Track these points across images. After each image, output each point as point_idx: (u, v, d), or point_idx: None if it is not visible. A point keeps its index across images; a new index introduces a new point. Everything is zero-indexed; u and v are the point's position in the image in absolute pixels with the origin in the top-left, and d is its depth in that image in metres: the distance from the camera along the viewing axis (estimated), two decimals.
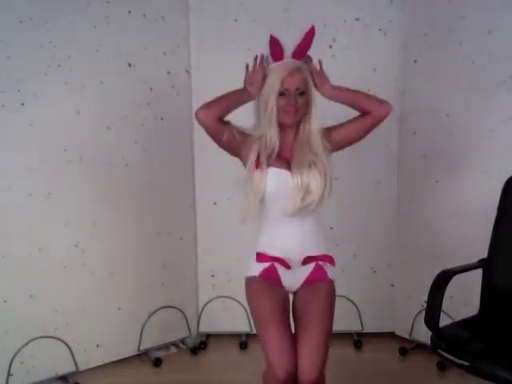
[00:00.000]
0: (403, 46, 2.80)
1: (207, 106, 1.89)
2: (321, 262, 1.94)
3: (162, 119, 2.82)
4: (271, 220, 1.93)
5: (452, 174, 2.67)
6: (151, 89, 2.77)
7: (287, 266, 1.92)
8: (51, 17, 2.42)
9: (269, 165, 1.86)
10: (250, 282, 1.95)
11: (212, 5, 2.85)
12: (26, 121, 2.42)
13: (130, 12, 2.66)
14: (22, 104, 2.40)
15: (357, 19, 2.82)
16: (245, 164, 1.90)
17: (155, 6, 2.75)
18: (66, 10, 2.46)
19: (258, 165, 1.85)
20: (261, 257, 1.95)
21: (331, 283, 1.94)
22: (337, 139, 1.90)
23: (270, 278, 1.92)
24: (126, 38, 2.66)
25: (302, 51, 1.85)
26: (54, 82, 2.47)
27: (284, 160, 1.89)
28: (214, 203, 3.00)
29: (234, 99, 1.88)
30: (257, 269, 1.94)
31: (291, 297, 1.96)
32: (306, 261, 1.93)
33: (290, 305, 1.93)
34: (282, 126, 1.88)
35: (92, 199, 2.63)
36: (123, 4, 2.64)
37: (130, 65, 2.69)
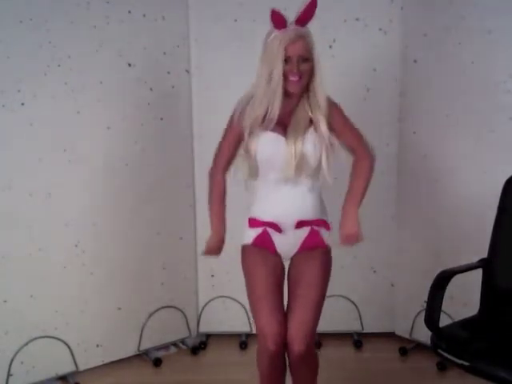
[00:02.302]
0: (403, 46, 2.80)
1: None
2: (316, 227, 1.92)
3: (161, 119, 2.82)
4: (265, 185, 1.93)
5: (452, 174, 2.67)
6: (151, 89, 2.77)
7: (278, 230, 1.91)
8: (51, 17, 2.42)
9: (265, 129, 1.85)
10: (243, 250, 1.98)
11: (212, 5, 2.85)
12: (26, 121, 2.42)
13: (129, 12, 2.66)
14: (22, 104, 2.40)
15: (357, 19, 2.82)
16: None
17: (155, 6, 2.74)
18: (65, 10, 2.46)
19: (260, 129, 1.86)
20: (252, 222, 1.95)
21: (326, 249, 1.95)
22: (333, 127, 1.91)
23: (263, 246, 1.93)
24: (125, 38, 2.66)
25: (304, 19, 1.83)
26: (53, 82, 2.47)
27: (282, 125, 1.87)
28: None
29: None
30: (250, 236, 1.95)
31: (287, 265, 1.96)
32: (300, 225, 1.91)
33: (284, 274, 1.94)
34: (285, 94, 1.85)
35: (92, 199, 2.63)
36: (123, 4, 2.63)
37: (129, 65, 2.69)
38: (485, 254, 2.19)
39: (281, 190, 1.90)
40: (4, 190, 2.39)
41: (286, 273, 1.96)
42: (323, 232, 1.95)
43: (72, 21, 2.49)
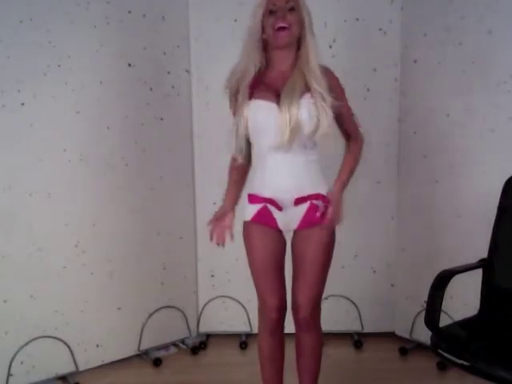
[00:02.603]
0: (403, 46, 2.80)
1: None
2: (315, 201, 1.88)
3: (161, 119, 2.82)
4: (260, 158, 1.88)
5: (452, 173, 2.67)
6: (151, 89, 2.77)
7: (278, 208, 1.89)
8: (51, 17, 2.42)
9: (255, 97, 1.80)
10: (244, 227, 1.97)
11: (212, 5, 2.85)
12: (26, 121, 2.42)
13: (129, 12, 2.66)
14: (22, 104, 2.40)
15: (357, 19, 2.82)
16: None
17: (155, 6, 2.74)
18: (66, 9, 2.46)
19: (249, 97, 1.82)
20: (252, 198, 1.93)
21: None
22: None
23: (263, 221, 1.91)
24: (125, 37, 2.66)
25: None
26: (53, 82, 2.47)
27: (274, 91, 1.80)
28: (214, 203, 2.96)
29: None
30: (250, 212, 1.93)
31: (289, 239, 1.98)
32: (298, 201, 1.88)
33: (285, 248, 1.97)
34: (275, 53, 1.82)
35: (92, 199, 2.63)
36: (123, 4, 2.64)
37: (129, 65, 2.69)
38: (485, 254, 2.19)
39: (277, 162, 1.84)
40: (4, 190, 2.39)
41: (290, 247, 1.97)
42: (322, 206, 1.90)
43: (72, 21, 2.49)
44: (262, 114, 1.80)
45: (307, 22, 1.80)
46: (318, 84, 1.78)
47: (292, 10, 1.76)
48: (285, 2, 1.75)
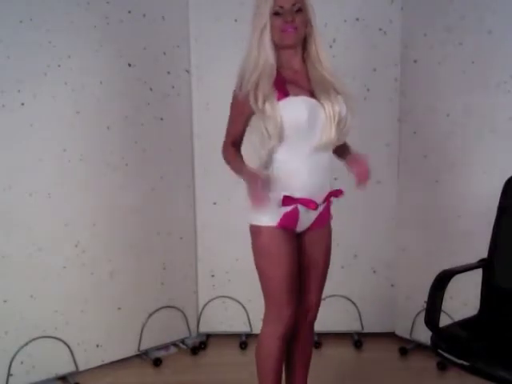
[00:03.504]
0: (403, 46, 2.80)
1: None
2: (331, 198, 1.90)
3: (161, 119, 2.82)
4: (292, 158, 1.78)
5: (452, 174, 2.67)
6: (151, 89, 2.77)
7: (314, 207, 1.81)
8: (51, 17, 2.42)
9: (292, 94, 1.74)
10: (264, 232, 1.80)
11: (212, 5, 2.85)
12: (26, 121, 2.42)
13: (129, 12, 2.66)
14: (22, 104, 2.40)
15: (357, 19, 2.82)
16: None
17: (155, 6, 2.74)
18: (65, 9, 2.46)
19: (280, 95, 1.73)
20: (285, 200, 1.77)
21: (330, 220, 1.97)
22: None
23: (288, 224, 1.81)
24: (125, 37, 2.66)
25: None
26: (53, 82, 2.47)
27: (302, 86, 1.76)
28: (214, 203, 2.99)
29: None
30: (276, 216, 1.78)
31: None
32: (327, 198, 1.87)
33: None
34: (283, 52, 1.79)
35: (92, 199, 2.63)
36: (123, 4, 2.64)
37: (129, 65, 2.69)
38: (485, 254, 2.19)
39: (312, 162, 1.78)
40: (4, 189, 2.39)
41: (298, 247, 1.91)
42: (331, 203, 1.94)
43: (72, 21, 2.49)
44: (307, 111, 1.72)
45: (313, 20, 1.80)
46: (339, 83, 1.80)
47: (298, 11, 1.75)
48: (291, 5, 1.74)
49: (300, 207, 1.81)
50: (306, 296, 1.96)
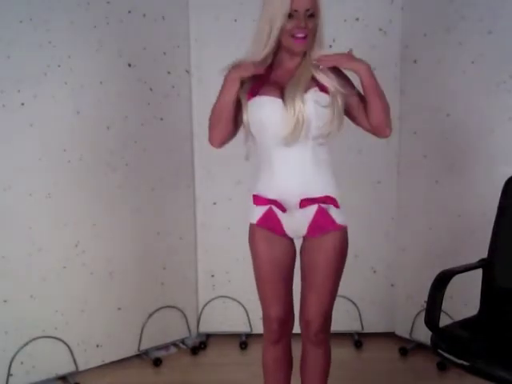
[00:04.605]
0: (403, 46, 2.80)
1: (209, 138, 1.86)
2: (323, 205, 1.76)
3: (161, 119, 2.82)
4: (265, 156, 1.78)
5: (452, 174, 2.67)
6: (151, 89, 2.77)
7: (282, 209, 1.76)
8: (51, 17, 2.42)
9: (260, 93, 1.74)
10: (250, 230, 1.86)
11: (212, 5, 2.85)
12: (26, 121, 2.42)
13: (129, 12, 2.66)
14: (22, 104, 2.40)
15: (357, 19, 2.82)
16: None
17: (155, 6, 2.74)
18: (66, 10, 2.46)
19: (249, 96, 1.75)
20: (257, 199, 1.80)
21: (340, 231, 1.80)
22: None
23: (269, 226, 1.80)
24: (125, 37, 2.66)
25: None
26: (53, 82, 2.47)
27: (279, 87, 1.74)
28: (214, 203, 3.00)
29: (223, 106, 1.77)
30: (255, 214, 1.82)
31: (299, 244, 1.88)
32: (304, 203, 1.74)
33: (294, 256, 1.87)
34: (286, 53, 1.77)
35: (92, 199, 2.63)
36: (123, 4, 2.64)
37: (129, 65, 2.69)
38: (485, 254, 2.19)
39: (282, 161, 1.74)
40: (4, 189, 2.39)
41: (299, 254, 1.87)
42: (333, 211, 1.78)
43: (72, 21, 2.49)
44: (267, 110, 1.73)
45: (321, 26, 1.77)
46: (325, 79, 1.75)
47: (311, 16, 1.71)
48: (306, 10, 1.69)
49: (276, 209, 1.78)
50: (303, 306, 1.85)
